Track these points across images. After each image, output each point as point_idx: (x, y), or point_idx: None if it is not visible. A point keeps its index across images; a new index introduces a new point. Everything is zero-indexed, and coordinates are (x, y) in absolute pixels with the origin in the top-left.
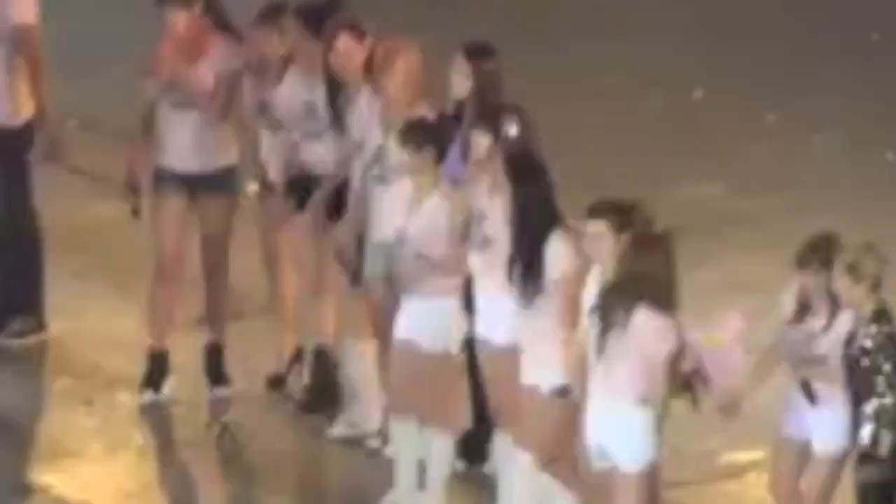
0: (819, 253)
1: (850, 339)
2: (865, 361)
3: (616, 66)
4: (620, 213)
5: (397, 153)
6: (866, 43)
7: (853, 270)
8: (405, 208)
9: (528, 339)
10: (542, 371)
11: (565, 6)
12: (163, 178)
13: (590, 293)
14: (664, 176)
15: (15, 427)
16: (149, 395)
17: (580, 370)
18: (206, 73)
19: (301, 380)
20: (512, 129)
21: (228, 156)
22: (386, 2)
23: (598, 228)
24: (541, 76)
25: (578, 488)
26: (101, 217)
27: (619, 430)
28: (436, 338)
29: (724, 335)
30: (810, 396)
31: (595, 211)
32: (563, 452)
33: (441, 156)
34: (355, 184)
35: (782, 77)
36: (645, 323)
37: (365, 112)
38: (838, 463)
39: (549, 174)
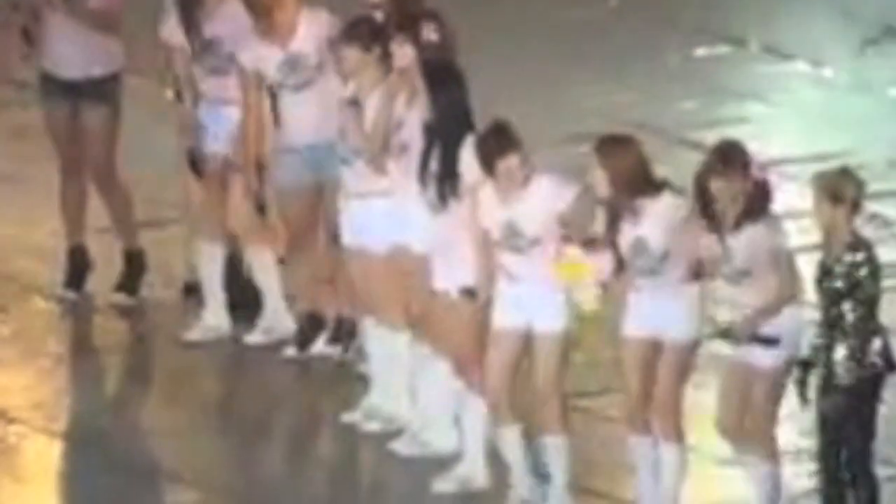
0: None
1: (826, 269)
2: (844, 291)
3: None
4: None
5: (345, 52)
6: None
7: (834, 195)
8: (340, 108)
9: (439, 243)
10: (451, 274)
11: None
12: (47, 83)
13: (487, 212)
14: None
15: None
16: (69, 294)
17: (488, 273)
18: None
19: None
20: (432, 36)
21: (111, 63)
22: None
23: (512, 162)
24: None
25: (493, 394)
26: (9, 125)
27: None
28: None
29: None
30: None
31: (508, 144)
32: (476, 357)
33: (385, 53)
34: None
35: None
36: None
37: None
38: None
39: (466, 81)
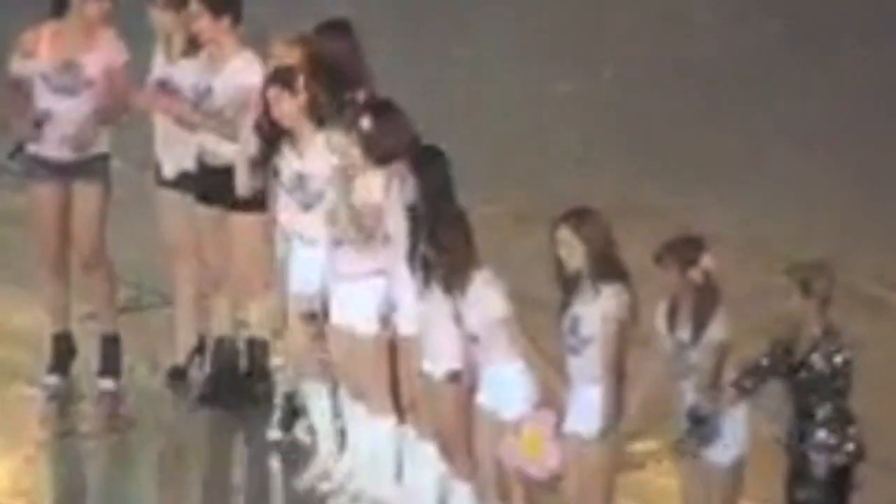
0: (677, 254)
1: (798, 362)
2: (814, 382)
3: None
4: None
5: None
6: None
7: (805, 287)
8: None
9: (425, 326)
10: (436, 357)
11: None
12: (37, 166)
13: None
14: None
15: None
16: (54, 380)
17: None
18: (97, 62)
19: (202, 371)
20: (365, 123)
21: (101, 143)
22: None
23: None
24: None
25: (475, 478)
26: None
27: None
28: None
29: (540, 437)
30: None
31: None
32: (460, 441)
33: None
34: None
35: None
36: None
37: None
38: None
39: (446, 158)
